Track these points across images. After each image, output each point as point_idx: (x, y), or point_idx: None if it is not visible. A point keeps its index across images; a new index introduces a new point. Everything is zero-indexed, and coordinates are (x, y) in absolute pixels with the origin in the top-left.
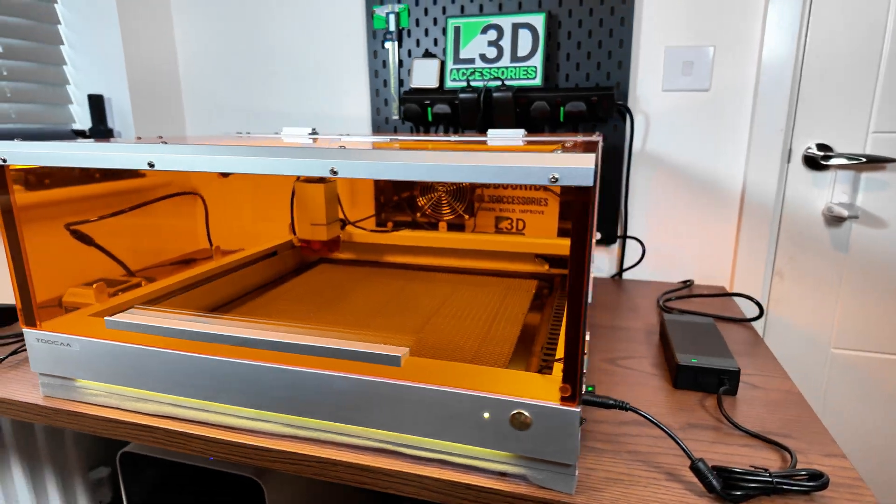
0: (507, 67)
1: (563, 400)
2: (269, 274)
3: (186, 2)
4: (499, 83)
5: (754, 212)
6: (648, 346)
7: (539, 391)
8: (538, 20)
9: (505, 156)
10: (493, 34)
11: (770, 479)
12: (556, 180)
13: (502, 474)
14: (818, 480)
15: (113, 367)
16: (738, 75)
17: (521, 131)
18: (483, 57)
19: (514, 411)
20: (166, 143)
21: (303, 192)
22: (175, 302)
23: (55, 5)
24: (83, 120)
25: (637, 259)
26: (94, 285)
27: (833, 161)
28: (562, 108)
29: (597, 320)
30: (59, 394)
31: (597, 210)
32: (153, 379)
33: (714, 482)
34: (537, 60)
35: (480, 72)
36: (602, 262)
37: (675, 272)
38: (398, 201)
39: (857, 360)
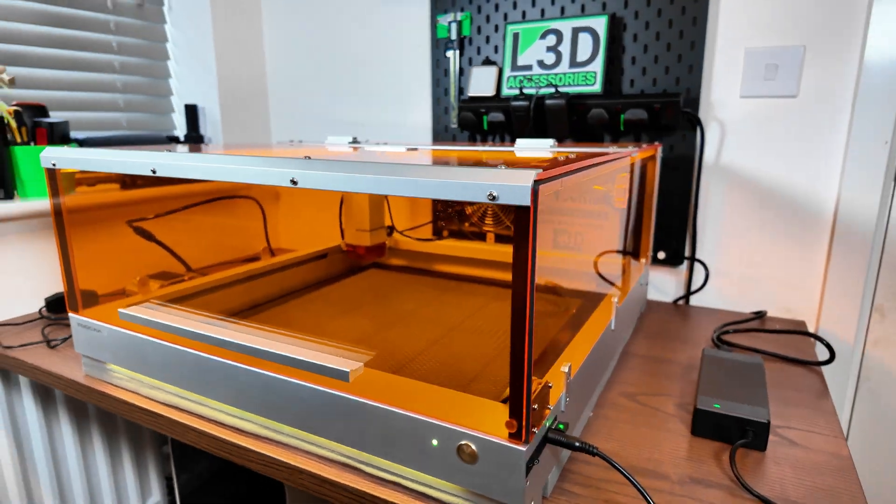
0: (564, 74)
1: (511, 436)
2: (316, 276)
3: (276, 14)
4: (552, 90)
5: (850, 237)
6: (683, 383)
7: (490, 423)
8: (600, 23)
9: (445, 170)
10: (551, 39)
11: None
12: (495, 198)
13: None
14: None
15: (128, 355)
16: (832, 79)
17: (550, 141)
18: (541, 63)
19: (461, 442)
20: (170, 150)
21: (350, 199)
22: (216, 298)
23: (164, 26)
24: (182, 127)
25: (700, 283)
26: (138, 278)
27: None
28: (621, 116)
29: (633, 349)
30: (95, 374)
31: (653, 227)
32: (156, 368)
33: None
34: (597, 66)
35: (536, 79)
36: (666, 285)
37: (750, 301)
38: (452, 212)
39: None
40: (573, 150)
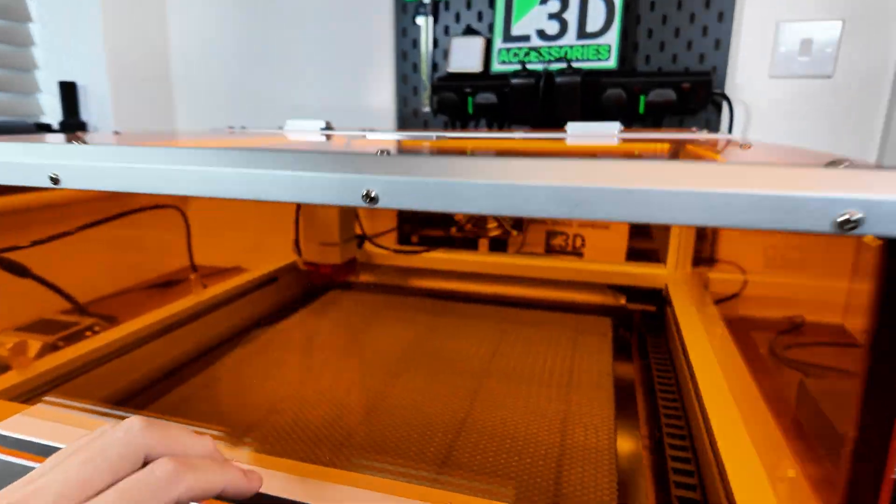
0: (571, 46)
1: None
2: (267, 305)
3: None
4: (564, 65)
5: None
6: None
7: None
8: None
9: (724, 170)
10: (554, 5)
11: None
12: (854, 226)
13: None
14: None
15: None
16: (873, 58)
17: (616, 125)
18: (542, 34)
19: None
20: (87, 143)
21: (311, 205)
22: (137, 357)
23: None
24: (55, 111)
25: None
26: (9, 342)
27: None
28: (642, 98)
29: None
30: None
31: None
32: None
33: None
34: (612, 37)
35: (538, 51)
36: None
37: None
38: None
39: None
40: (647, 135)
